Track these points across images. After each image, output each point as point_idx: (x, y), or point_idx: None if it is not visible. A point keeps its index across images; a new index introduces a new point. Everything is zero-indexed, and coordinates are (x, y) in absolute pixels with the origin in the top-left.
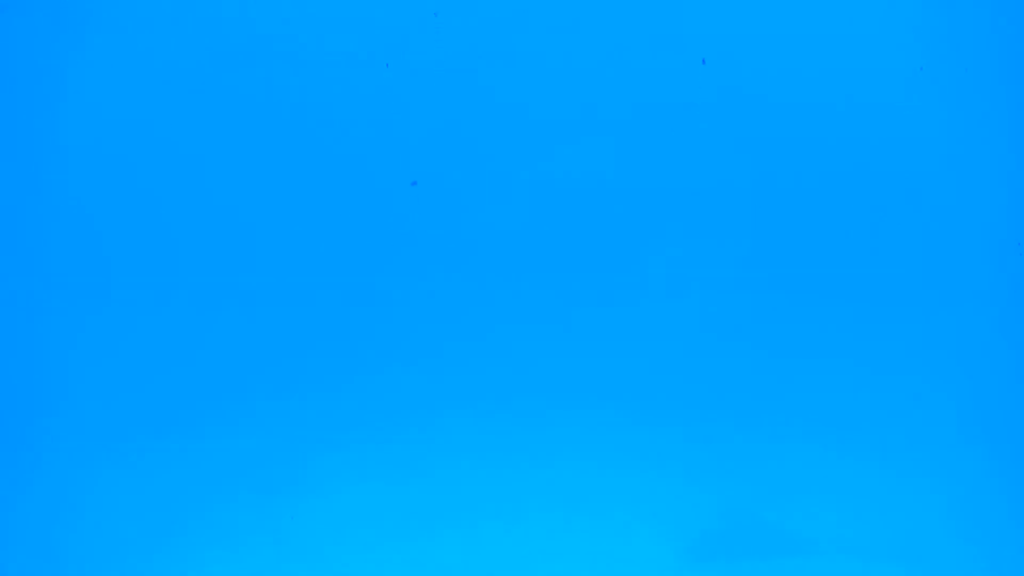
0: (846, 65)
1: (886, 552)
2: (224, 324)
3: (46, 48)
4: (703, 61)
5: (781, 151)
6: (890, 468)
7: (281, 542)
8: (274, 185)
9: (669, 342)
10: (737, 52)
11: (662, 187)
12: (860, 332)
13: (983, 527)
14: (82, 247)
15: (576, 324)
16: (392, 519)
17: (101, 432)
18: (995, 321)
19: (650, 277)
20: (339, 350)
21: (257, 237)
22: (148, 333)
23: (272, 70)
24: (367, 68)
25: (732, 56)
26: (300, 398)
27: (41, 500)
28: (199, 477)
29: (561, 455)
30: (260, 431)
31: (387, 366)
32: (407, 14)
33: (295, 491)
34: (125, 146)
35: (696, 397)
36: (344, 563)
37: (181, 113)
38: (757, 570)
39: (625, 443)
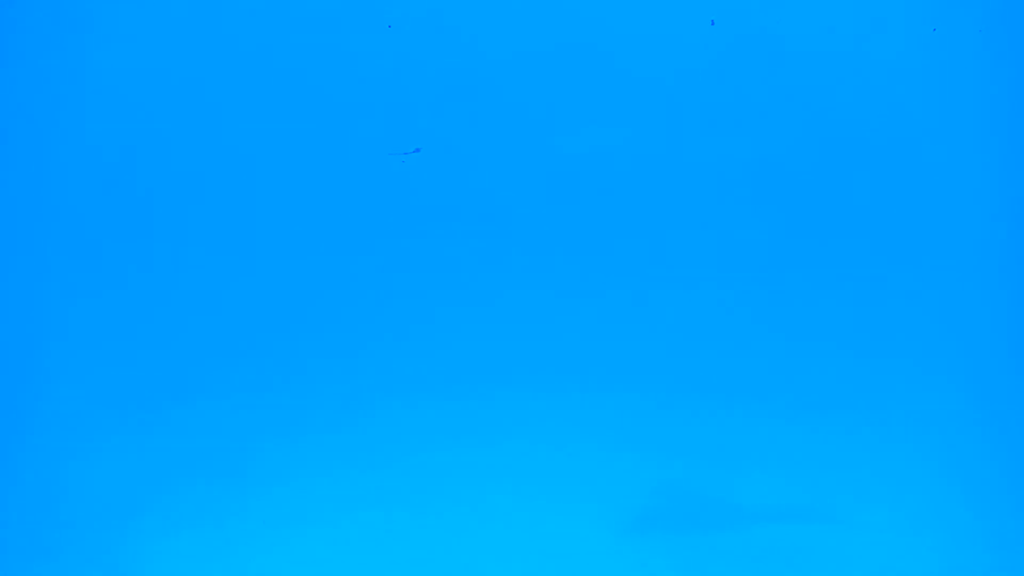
0: (863, 27)
1: (826, 519)
2: (188, 307)
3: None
4: (712, 22)
5: (787, 121)
6: (828, 436)
7: (241, 530)
8: (262, 156)
9: (606, 316)
10: (748, 16)
11: (667, 160)
12: (790, 299)
13: (917, 486)
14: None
15: (517, 303)
16: (338, 498)
17: (61, 420)
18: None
19: (586, 251)
20: (306, 337)
21: (233, 215)
22: (110, 317)
23: (270, 32)
24: (369, 29)
25: (742, 20)
26: (267, 384)
27: None
28: (157, 464)
29: (503, 432)
30: (234, 415)
31: (341, 352)
32: None
33: (255, 479)
34: (104, 105)
35: (636, 371)
36: (298, 549)
37: (172, 78)
38: (698, 542)
39: (565, 418)
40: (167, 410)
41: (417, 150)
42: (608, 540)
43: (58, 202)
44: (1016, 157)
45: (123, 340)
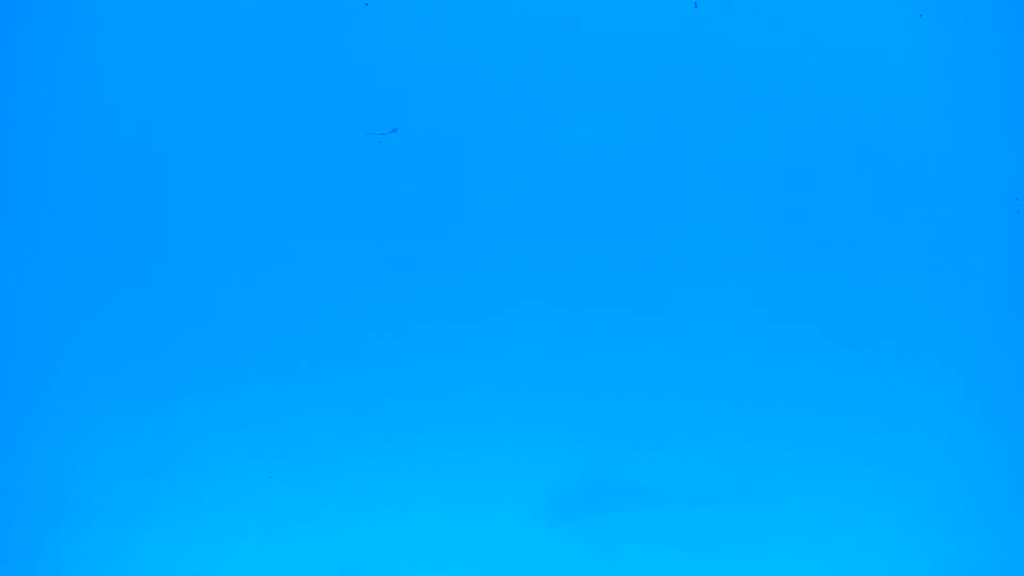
0: (860, 22)
1: (737, 499)
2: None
3: None
4: (695, 5)
5: (786, 115)
6: (736, 420)
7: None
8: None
9: (526, 313)
10: (744, 11)
11: (651, 150)
12: (703, 285)
13: (828, 466)
14: None
15: (440, 304)
16: (275, 496)
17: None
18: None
19: (511, 246)
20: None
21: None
22: (91, 311)
23: (246, 9)
24: (345, 6)
25: (739, 16)
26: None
27: None
28: (79, 464)
29: (421, 421)
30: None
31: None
32: None
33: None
34: (88, 84)
35: (554, 364)
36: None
37: (156, 56)
38: (614, 524)
39: (486, 409)
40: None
41: (394, 130)
42: (527, 524)
43: (36, 185)
44: (1014, 148)
45: (101, 336)
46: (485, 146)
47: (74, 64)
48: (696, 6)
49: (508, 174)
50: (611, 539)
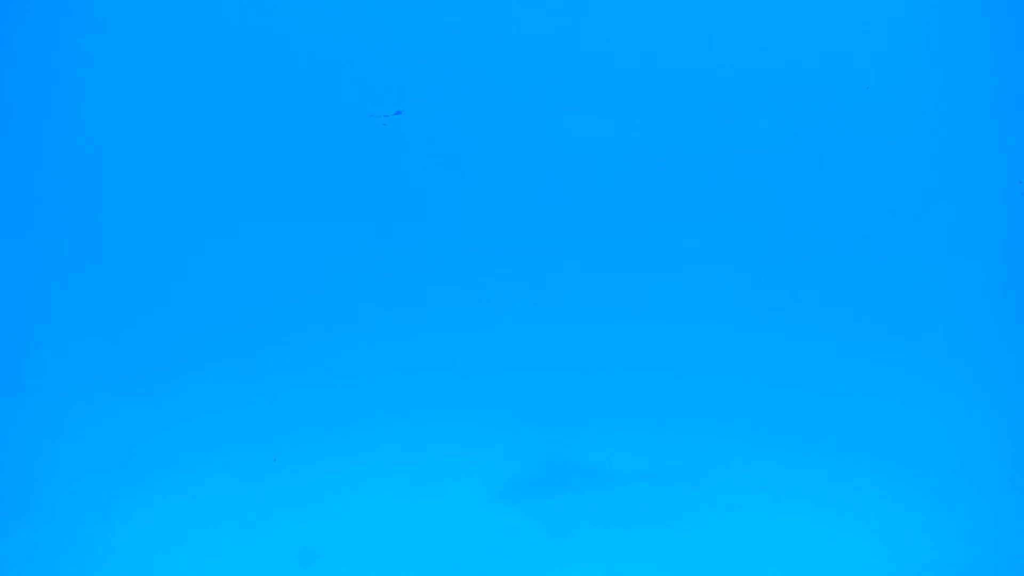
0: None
1: (686, 476)
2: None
3: None
4: None
5: (782, 102)
6: (689, 401)
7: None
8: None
9: (482, 293)
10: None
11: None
12: (648, 263)
13: (774, 440)
14: None
15: (390, 281)
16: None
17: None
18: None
19: (446, 225)
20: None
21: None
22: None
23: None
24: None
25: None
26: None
27: None
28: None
29: (383, 405)
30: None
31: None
32: None
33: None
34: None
35: (506, 345)
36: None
37: (157, 43)
38: (568, 503)
39: (441, 392)
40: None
41: (399, 112)
42: (488, 506)
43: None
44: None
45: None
46: (469, 129)
47: (56, 22)
48: None
49: (468, 157)
50: (569, 519)
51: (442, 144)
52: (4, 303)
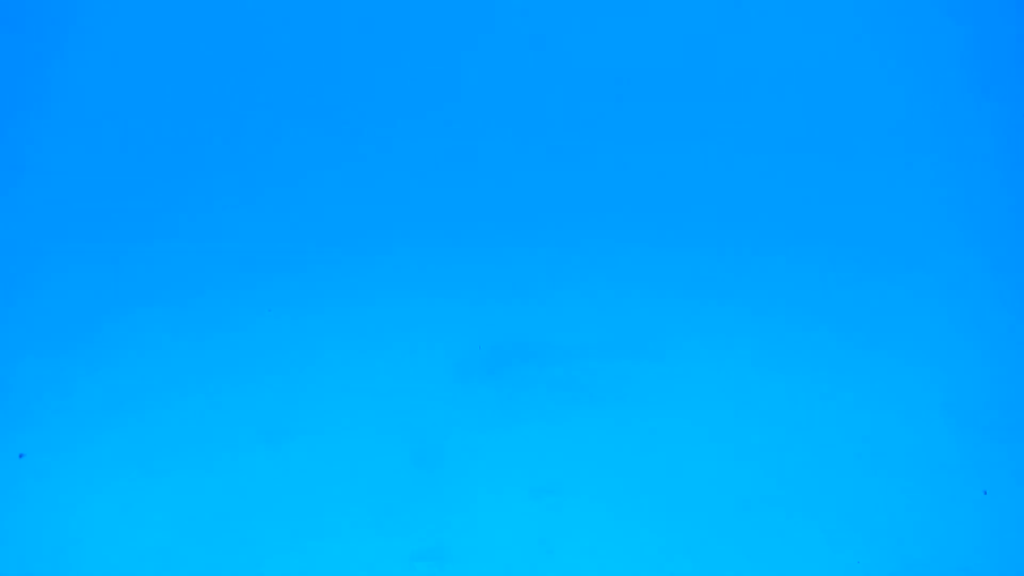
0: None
1: (628, 352)
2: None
3: None
4: None
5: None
6: (639, 276)
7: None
8: None
9: (421, 174)
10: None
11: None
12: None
13: (729, 321)
14: None
15: (341, 160)
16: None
17: None
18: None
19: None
20: None
21: None
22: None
23: None
24: None
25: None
26: None
27: None
28: None
29: (337, 285)
30: None
31: None
32: None
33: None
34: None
35: (454, 222)
36: None
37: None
38: (520, 377)
39: (390, 271)
40: None
41: None
42: (440, 381)
43: None
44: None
45: None
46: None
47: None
48: None
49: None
50: (524, 393)
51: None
52: None
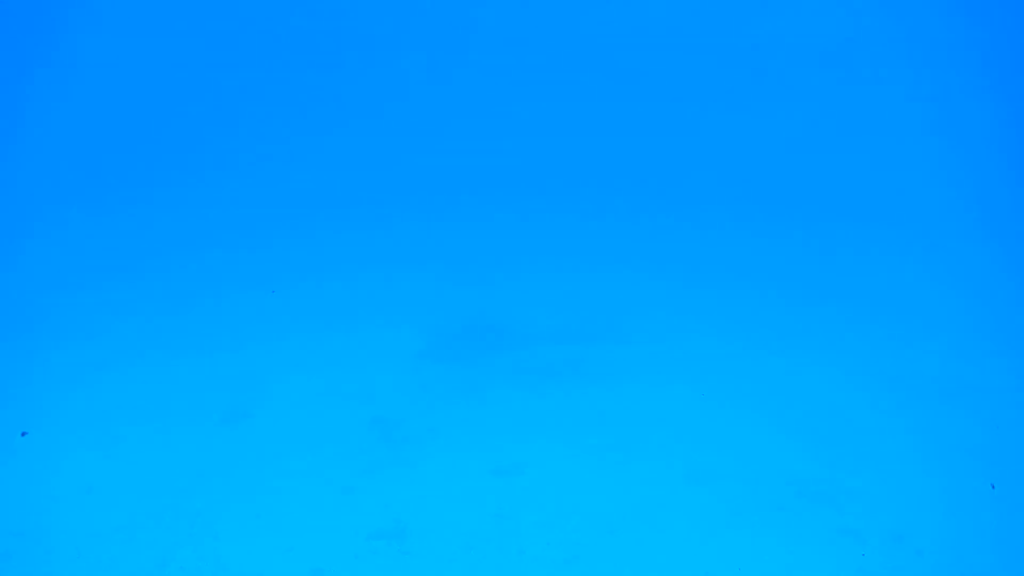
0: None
1: (588, 335)
2: None
3: None
4: None
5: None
6: (599, 261)
7: None
8: None
9: (406, 149)
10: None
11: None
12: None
13: (689, 305)
14: None
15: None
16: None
17: None
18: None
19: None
20: None
21: None
22: None
23: None
24: None
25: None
26: None
27: None
28: None
29: (308, 265)
30: None
31: None
32: None
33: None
34: None
35: (431, 202)
36: None
37: None
38: (482, 361)
39: (365, 251)
40: None
41: None
42: (404, 363)
43: None
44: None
45: None
46: None
47: None
48: None
49: None
50: (486, 376)
51: None
52: None
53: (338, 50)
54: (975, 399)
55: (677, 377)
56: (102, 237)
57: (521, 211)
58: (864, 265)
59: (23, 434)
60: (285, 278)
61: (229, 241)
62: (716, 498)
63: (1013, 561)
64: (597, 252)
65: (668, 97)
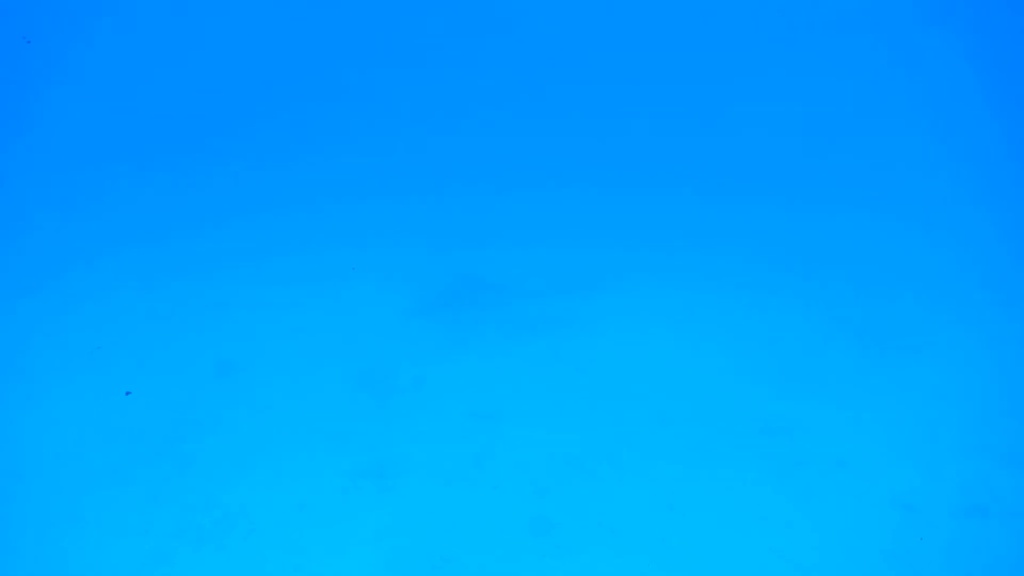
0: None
1: (565, 289)
2: None
3: None
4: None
5: None
6: (580, 217)
7: None
8: None
9: (392, 114)
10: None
11: None
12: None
13: (668, 266)
14: None
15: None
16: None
17: None
18: None
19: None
20: None
21: None
22: None
23: None
24: None
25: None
26: None
27: None
28: None
29: (297, 223)
30: None
31: None
32: None
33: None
34: None
35: (420, 170)
36: None
37: None
38: (468, 315)
39: (356, 215)
40: None
41: None
42: (392, 319)
43: None
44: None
45: None
46: None
47: None
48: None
49: None
50: (471, 330)
51: None
52: None
53: (327, 22)
54: (933, 346)
55: (650, 330)
56: (103, 201)
57: (504, 174)
58: (830, 222)
59: (127, 393)
60: (277, 241)
61: (224, 202)
62: (682, 437)
63: (935, 479)
64: (576, 214)
65: (648, 70)
